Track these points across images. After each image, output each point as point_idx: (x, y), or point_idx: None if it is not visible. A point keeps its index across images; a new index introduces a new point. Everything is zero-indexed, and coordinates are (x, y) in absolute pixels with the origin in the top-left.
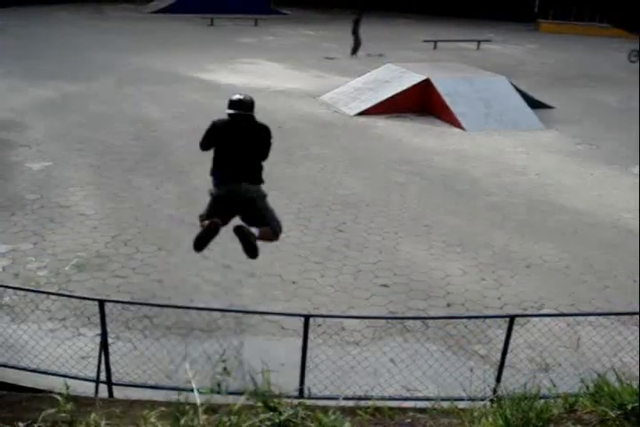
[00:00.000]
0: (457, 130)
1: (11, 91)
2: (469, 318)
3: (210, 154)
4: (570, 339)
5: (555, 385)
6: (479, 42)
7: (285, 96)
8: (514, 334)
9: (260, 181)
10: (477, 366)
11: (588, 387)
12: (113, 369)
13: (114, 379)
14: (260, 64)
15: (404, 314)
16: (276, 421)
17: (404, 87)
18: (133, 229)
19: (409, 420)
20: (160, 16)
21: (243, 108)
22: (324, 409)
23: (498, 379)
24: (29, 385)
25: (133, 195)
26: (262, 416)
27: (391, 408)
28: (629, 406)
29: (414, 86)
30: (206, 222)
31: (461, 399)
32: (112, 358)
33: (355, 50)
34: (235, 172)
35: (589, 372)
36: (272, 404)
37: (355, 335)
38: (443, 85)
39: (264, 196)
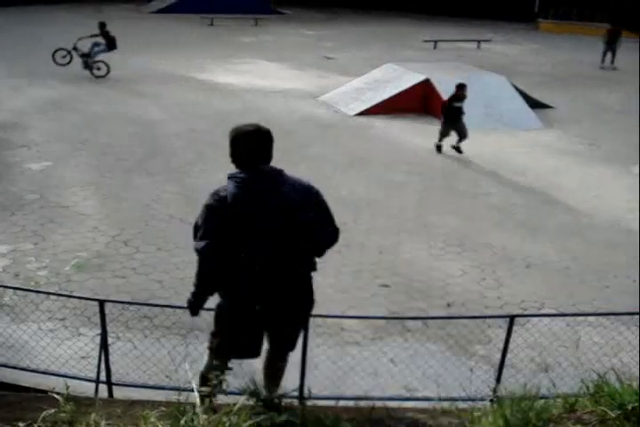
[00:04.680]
0: None
1: (11, 91)
2: (469, 318)
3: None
4: (570, 339)
5: (555, 385)
6: (479, 42)
7: (285, 96)
8: (514, 334)
9: None
10: (477, 366)
11: (588, 387)
12: (113, 369)
13: (114, 379)
14: (259, 64)
15: (405, 314)
16: (276, 421)
17: (405, 87)
18: (133, 229)
19: (409, 420)
20: (160, 16)
21: None
22: (324, 409)
23: (498, 379)
24: (29, 385)
25: (133, 195)
26: (262, 416)
27: (391, 409)
28: (629, 407)
29: (414, 86)
30: None
31: (461, 399)
32: (112, 358)
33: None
34: None
35: (589, 372)
36: (272, 404)
37: (355, 335)
38: (443, 85)
39: None
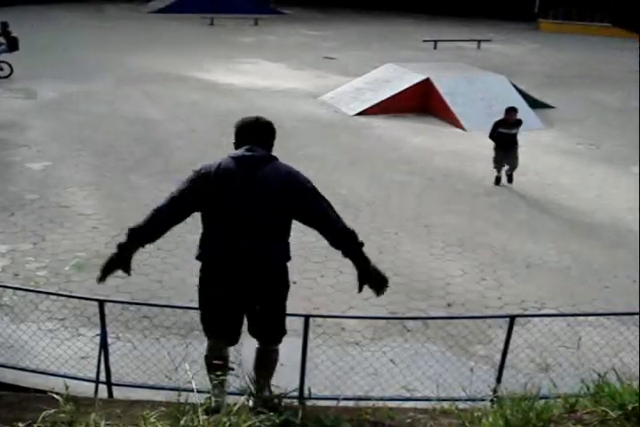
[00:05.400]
0: (457, 130)
1: (11, 91)
2: (470, 318)
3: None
4: (570, 339)
5: (555, 385)
6: (479, 42)
7: (285, 96)
8: (514, 335)
9: None
10: (478, 367)
11: (588, 387)
12: (113, 369)
13: (113, 379)
14: (259, 64)
15: (404, 314)
16: (276, 421)
17: (405, 87)
18: None
19: (409, 420)
20: (160, 16)
21: None
22: (324, 409)
23: (498, 379)
24: (29, 385)
25: (133, 195)
26: (262, 416)
27: (391, 409)
28: (630, 407)
29: (414, 86)
30: None
31: (462, 400)
32: (112, 359)
33: None
34: None
35: (590, 372)
36: (272, 404)
37: (355, 336)
38: (443, 85)
39: None
